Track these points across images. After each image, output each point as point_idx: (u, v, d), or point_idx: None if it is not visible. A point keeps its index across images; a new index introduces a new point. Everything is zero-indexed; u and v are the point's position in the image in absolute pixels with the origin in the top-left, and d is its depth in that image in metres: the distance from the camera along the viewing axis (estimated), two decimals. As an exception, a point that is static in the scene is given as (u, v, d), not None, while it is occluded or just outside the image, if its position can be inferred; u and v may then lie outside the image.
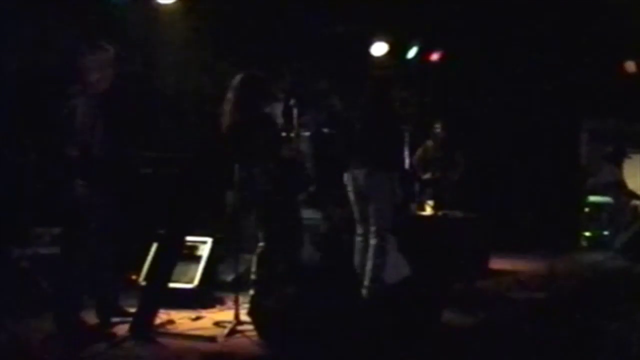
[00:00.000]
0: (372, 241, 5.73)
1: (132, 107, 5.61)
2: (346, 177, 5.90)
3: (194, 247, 5.75)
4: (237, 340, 4.57)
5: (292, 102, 5.99)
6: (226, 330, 4.69)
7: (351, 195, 5.89)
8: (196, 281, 5.61)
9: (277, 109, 5.87)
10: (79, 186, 4.46)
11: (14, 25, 5.93)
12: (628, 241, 8.71)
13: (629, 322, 5.03)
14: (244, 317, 4.82)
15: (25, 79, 6.01)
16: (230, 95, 5.25)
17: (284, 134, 5.85)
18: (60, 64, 5.64)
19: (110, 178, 4.59)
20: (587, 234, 9.94)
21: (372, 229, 5.74)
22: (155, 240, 5.48)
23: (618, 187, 9.48)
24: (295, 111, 6.07)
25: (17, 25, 6.00)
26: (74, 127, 4.45)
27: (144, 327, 4.56)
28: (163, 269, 4.77)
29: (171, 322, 4.91)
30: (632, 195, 9.59)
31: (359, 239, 5.90)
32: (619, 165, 9.62)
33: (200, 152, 4.47)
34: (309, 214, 6.71)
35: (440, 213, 8.09)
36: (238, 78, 5.29)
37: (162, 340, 4.50)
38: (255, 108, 5.18)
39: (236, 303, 4.90)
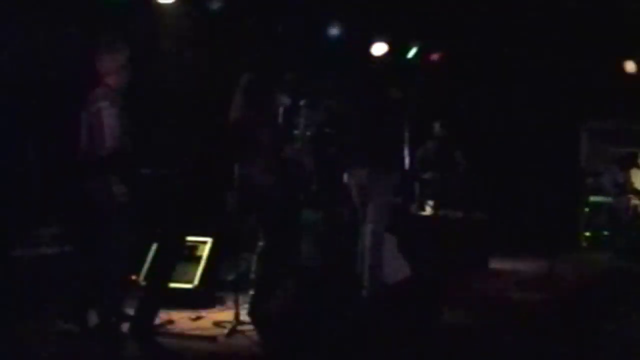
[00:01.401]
0: (370, 240, 5.75)
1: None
2: (346, 177, 5.91)
3: (194, 247, 5.75)
4: (237, 340, 4.57)
5: (302, 102, 6.02)
6: (226, 330, 4.69)
7: (353, 195, 5.90)
8: (196, 281, 5.61)
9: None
10: (110, 185, 4.47)
11: (30, 30, 5.95)
12: (628, 241, 8.71)
13: (628, 322, 5.04)
14: (244, 317, 4.82)
15: (42, 82, 6.03)
16: (237, 94, 5.32)
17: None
18: (79, 67, 5.67)
19: (133, 175, 4.60)
20: (587, 234, 9.94)
21: (370, 227, 5.76)
22: (155, 240, 5.49)
23: (621, 190, 9.40)
24: (303, 111, 6.10)
25: (33, 29, 6.02)
26: (102, 129, 4.46)
27: (144, 327, 4.57)
28: (163, 269, 4.77)
29: (171, 322, 4.91)
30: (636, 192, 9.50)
31: (363, 237, 5.89)
32: (626, 170, 9.51)
33: (202, 152, 4.47)
34: (309, 214, 6.72)
35: (440, 213, 8.09)
36: (246, 77, 5.36)
37: (162, 340, 4.50)
38: (261, 107, 5.21)
39: (236, 303, 4.91)
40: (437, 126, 9.17)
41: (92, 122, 4.53)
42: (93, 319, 4.72)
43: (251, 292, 5.13)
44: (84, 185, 4.56)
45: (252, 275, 5.25)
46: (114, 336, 4.43)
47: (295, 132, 6.03)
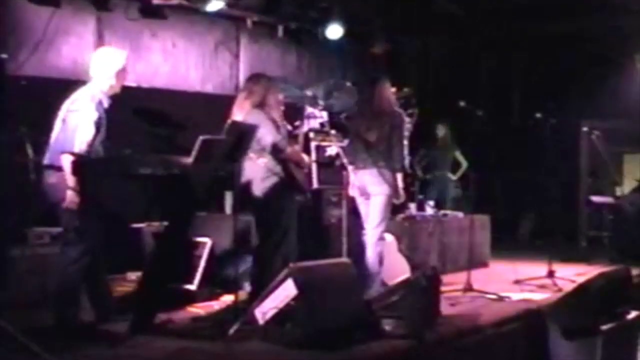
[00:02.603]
0: (370, 239, 5.75)
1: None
2: (345, 177, 5.91)
3: (194, 247, 5.75)
4: (237, 340, 4.57)
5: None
6: (226, 330, 4.69)
7: (355, 196, 5.89)
8: (196, 281, 5.61)
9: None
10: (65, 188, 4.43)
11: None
12: (628, 242, 8.69)
13: (626, 322, 5.03)
14: (243, 316, 4.81)
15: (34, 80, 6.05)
16: (240, 94, 5.37)
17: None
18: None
19: (111, 177, 4.58)
20: (587, 234, 9.93)
21: (370, 226, 5.75)
22: (155, 240, 5.48)
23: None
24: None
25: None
26: (76, 131, 4.43)
27: (143, 327, 4.57)
28: (163, 269, 4.77)
29: (171, 322, 4.91)
30: None
31: (364, 237, 5.89)
32: None
33: (202, 152, 4.45)
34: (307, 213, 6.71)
35: (440, 213, 8.09)
36: (248, 78, 5.41)
37: (162, 340, 4.50)
38: (262, 108, 5.23)
39: (236, 303, 4.91)
40: (439, 127, 9.19)
41: (69, 120, 4.49)
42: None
43: (250, 292, 5.14)
44: (42, 179, 4.55)
45: (251, 275, 5.27)
46: (112, 336, 4.43)
47: (296, 131, 6.04)
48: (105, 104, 4.59)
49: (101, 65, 4.63)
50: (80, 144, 4.40)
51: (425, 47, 9.41)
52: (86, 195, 4.41)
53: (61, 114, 4.58)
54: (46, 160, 4.56)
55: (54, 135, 4.57)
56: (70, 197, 4.38)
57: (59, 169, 4.42)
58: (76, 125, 4.43)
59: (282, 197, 5.30)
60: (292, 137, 5.95)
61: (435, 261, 7.34)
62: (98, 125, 4.48)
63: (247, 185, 5.26)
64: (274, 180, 5.26)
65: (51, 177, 4.50)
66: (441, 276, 5.42)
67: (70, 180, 4.36)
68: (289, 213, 5.36)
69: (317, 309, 4.43)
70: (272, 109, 5.31)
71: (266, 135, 5.16)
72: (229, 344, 4.46)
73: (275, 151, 5.24)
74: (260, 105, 5.25)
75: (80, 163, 4.34)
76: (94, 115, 4.46)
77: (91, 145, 4.45)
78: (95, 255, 4.62)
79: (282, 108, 5.58)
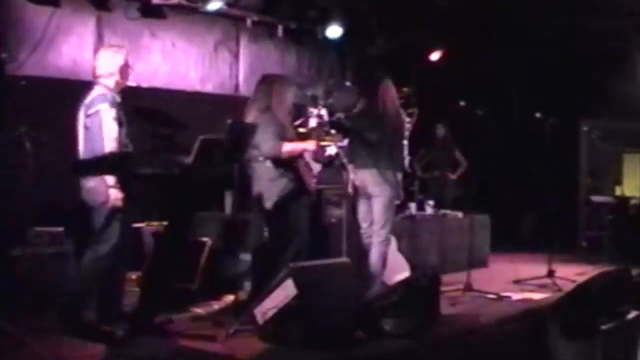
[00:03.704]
0: (376, 240, 5.74)
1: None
2: (345, 177, 5.90)
3: (194, 247, 5.76)
4: (237, 340, 4.57)
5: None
6: (226, 330, 4.69)
7: (355, 195, 5.89)
8: (196, 281, 5.61)
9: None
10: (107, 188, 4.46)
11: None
12: (627, 241, 8.69)
13: (626, 322, 5.02)
14: (244, 316, 4.82)
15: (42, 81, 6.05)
16: (252, 95, 5.38)
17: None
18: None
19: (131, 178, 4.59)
20: (587, 234, 9.92)
21: (376, 228, 5.75)
22: (155, 240, 5.49)
23: None
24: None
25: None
26: (101, 132, 4.44)
27: (143, 327, 4.57)
28: (163, 269, 4.77)
29: (171, 322, 4.91)
30: None
31: (364, 237, 5.88)
32: None
33: (202, 152, 4.45)
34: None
35: (440, 213, 8.09)
36: (260, 79, 5.42)
37: (162, 340, 4.50)
38: (268, 111, 5.23)
39: (236, 303, 4.91)
40: (439, 127, 9.19)
41: (90, 125, 4.50)
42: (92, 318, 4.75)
43: (250, 292, 5.14)
44: (81, 186, 4.56)
45: (252, 275, 5.27)
46: (113, 336, 4.43)
47: (302, 130, 6.04)
48: (118, 99, 4.64)
49: (104, 65, 4.67)
50: (109, 142, 4.43)
51: (425, 47, 9.37)
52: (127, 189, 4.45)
53: (80, 122, 4.60)
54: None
55: (81, 144, 4.59)
56: (114, 194, 4.44)
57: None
58: (98, 127, 4.46)
59: (291, 197, 5.29)
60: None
61: (435, 261, 7.34)
62: (118, 120, 4.53)
63: (256, 186, 5.26)
64: (283, 181, 5.26)
65: (90, 182, 4.52)
66: (441, 276, 5.43)
67: (110, 179, 4.42)
68: (297, 213, 5.34)
69: (317, 309, 4.44)
70: (279, 111, 5.30)
71: (264, 142, 5.15)
72: (229, 344, 4.47)
73: (273, 160, 5.24)
74: (267, 109, 5.25)
75: (110, 160, 4.37)
76: (112, 113, 4.50)
77: (119, 141, 4.49)
78: (118, 256, 4.62)
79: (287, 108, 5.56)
